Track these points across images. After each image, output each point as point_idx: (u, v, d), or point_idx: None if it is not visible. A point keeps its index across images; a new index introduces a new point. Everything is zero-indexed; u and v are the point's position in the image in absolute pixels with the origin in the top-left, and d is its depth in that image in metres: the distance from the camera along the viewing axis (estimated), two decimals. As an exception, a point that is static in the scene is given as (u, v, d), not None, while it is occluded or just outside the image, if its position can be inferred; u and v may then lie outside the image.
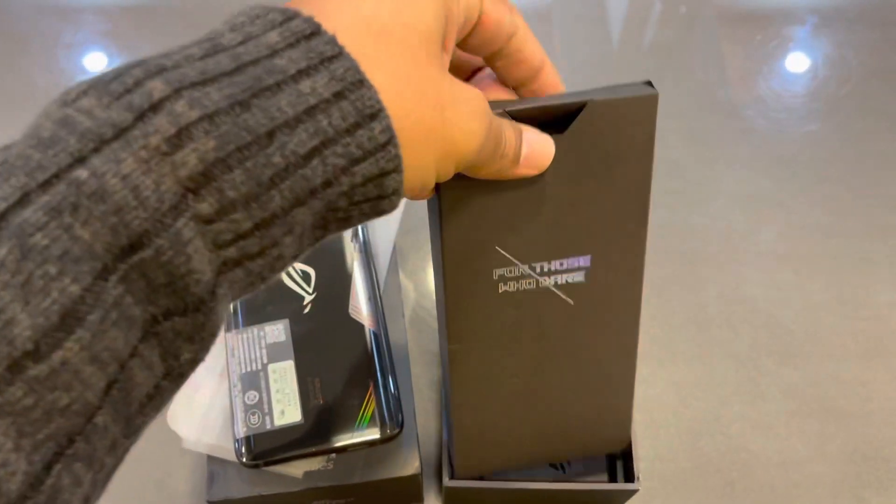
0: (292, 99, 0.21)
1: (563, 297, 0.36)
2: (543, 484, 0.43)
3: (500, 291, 0.35)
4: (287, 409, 0.43)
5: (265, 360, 0.47)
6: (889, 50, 0.72)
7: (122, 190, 0.19)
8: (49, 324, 0.18)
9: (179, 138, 0.19)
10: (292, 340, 0.48)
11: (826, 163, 0.65)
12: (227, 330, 0.48)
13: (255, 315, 0.49)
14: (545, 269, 0.35)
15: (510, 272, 0.35)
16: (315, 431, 0.41)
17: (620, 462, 0.46)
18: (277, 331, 0.48)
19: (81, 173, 0.18)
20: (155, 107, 0.20)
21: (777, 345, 0.53)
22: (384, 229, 0.55)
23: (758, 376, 0.53)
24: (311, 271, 0.51)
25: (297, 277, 0.50)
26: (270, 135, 0.21)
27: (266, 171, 0.21)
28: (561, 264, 0.35)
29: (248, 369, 0.47)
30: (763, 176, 0.64)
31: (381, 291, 0.50)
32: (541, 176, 0.32)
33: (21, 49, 0.71)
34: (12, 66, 0.70)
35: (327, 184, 0.22)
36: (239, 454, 0.41)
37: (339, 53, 0.22)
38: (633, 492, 0.43)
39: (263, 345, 0.47)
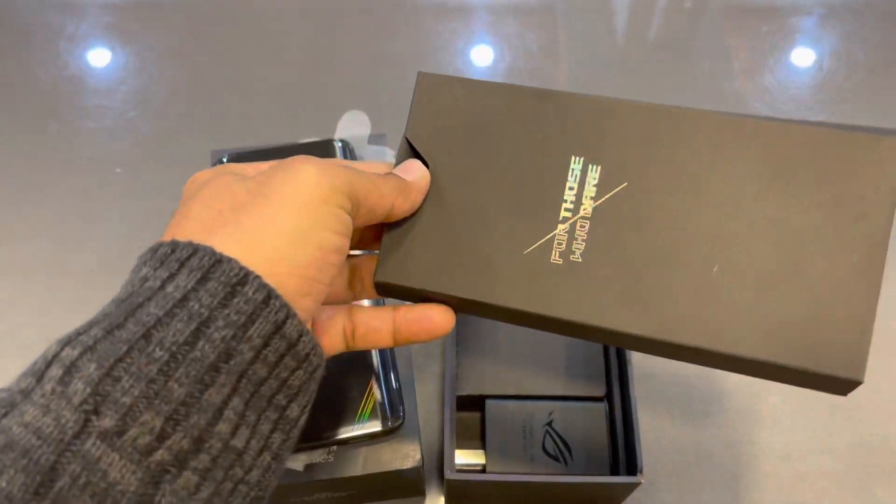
0: (160, 302, 0.23)
1: (614, 192, 0.32)
2: (545, 477, 0.43)
3: (581, 260, 0.31)
4: (287, 401, 0.43)
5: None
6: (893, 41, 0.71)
7: (26, 435, 0.21)
8: None
9: (69, 375, 0.22)
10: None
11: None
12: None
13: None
14: (571, 207, 0.32)
15: (558, 243, 0.31)
16: (316, 424, 0.40)
17: (623, 454, 0.45)
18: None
19: None
20: (49, 363, 0.22)
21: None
22: (386, 221, 0.55)
23: (763, 369, 0.53)
24: (313, 263, 0.50)
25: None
26: (146, 336, 0.23)
27: (152, 368, 0.22)
28: (571, 191, 0.32)
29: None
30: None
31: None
32: None
33: (24, 42, 0.71)
34: (15, 58, 0.70)
35: (227, 356, 0.23)
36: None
37: (194, 251, 0.24)
38: (636, 485, 0.42)
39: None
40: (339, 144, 0.55)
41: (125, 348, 0.22)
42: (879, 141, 0.30)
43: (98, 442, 0.21)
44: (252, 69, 0.69)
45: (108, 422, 0.21)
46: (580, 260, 0.31)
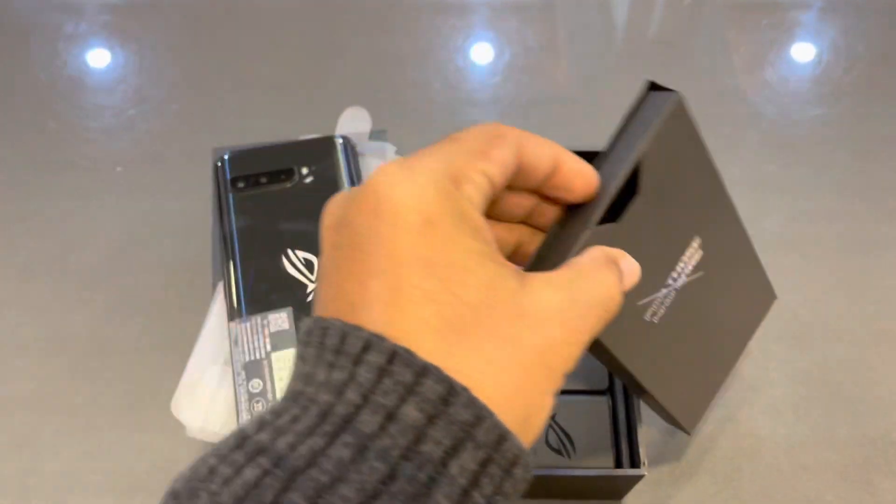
0: (446, 490, 0.21)
1: (696, 277, 0.38)
2: (548, 470, 0.43)
3: (656, 322, 0.36)
4: (291, 397, 0.43)
5: (269, 349, 0.47)
6: (892, 35, 0.71)
7: None
8: None
9: None
10: (296, 329, 0.48)
11: (832, 147, 0.64)
12: (231, 319, 0.48)
13: (259, 304, 0.48)
14: (675, 277, 0.37)
15: (655, 304, 0.36)
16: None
17: (626, 447, 0.45)
18: (281, 319, 0.48)
19: None
20: None
21: (784, 330, 0.53)
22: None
23: (765, 361, 0.53)
24: (314, 259, 0.50)
25: (300, 265, 0.50)
26: None
27: None
28: (683, 262, 0.37)
29: (252, 358, 0.47)
30: (769, 161, 0.63)
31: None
32: (631, 222, 0.32)
33: (23, 41, 0.71)
34: (14, 58, 0.70)
35: None
36: (243, 442, 0.41)
37: (479, 414, 0.21)
38: (639, 477, 0.42)
39: (267, 333, 0.47)
40: (340, 141, 0.55)
41: None
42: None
43: None
44: (252, 66, 0.69)
45: None
46: (657, 322, 0.36)
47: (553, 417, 0.47)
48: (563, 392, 0.48)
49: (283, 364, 0.46)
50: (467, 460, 0.21)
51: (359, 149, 0.57)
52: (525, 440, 0.23)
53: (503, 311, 0.23)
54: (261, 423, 0.22)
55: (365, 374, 0.21)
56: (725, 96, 0.67)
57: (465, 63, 0.70)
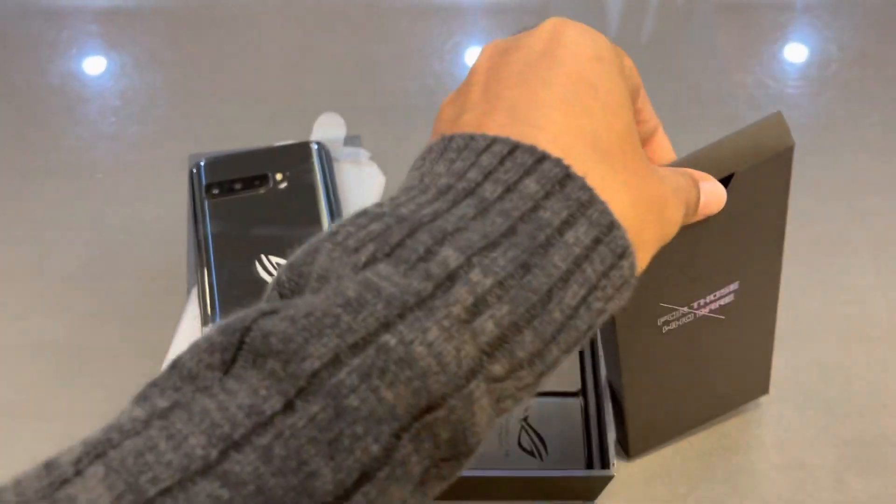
0: (562, 253, 0.22)
1: (716, 316, 0.40)
2: (521, 472, 0.43)
3: (664, 332, 0.39)
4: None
5: (241, 354, 0.47)
6: (870, 35, 0.72)
7: (427, 357, 0.20)
8: (349, 481, 0.19)
9: (477, 306, 0.21)
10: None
11: (807, 149, 0.64)
12: (204, 324, 0.48)
13: (232, 309, 0.49)
14: (701, 304, 0.39)
15: (673, 315, 0.38)
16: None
17: (597, 448, 0.46)
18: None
19: (389, 339, 0.20)
20: (452, 276, 0.21)
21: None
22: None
23: (739, 362, 0.53)
24: (288, 264, 0.51)
25: (274, 271, 0.50)
26: (549, 292, 0.22)
27: (549, 328, 0.22)
28: (714, 295, 0.39)
29: (224, 362, 0.47)
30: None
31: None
32: (693, 227, 0.33)
33: (3, 49, 0.71)
34: (-5, 67, 0.70)
35: (589, 328, 0.23)
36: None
37: (591, 197, 0.23)
38: (610, 478, 0.43)
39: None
40: (315, 147, 0.56)
41: (534, 299, 0.22)
42: None
43: (482, 384, 0.21)
44: (229, 73, 0.70)
45: (497, 369, 0.21)
46: (664, 332, 0.39)
47: (526, 419, 0.47)
48: (537, 394, 0.48)
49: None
50: (581, 233, 0.23)
51: (333, 154, 0.57)
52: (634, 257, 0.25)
53: (639, 153, 0.26)
54: (378, 204, 0.24)
55: (488, 159, 0.23)
56: (715, 99, 0.68)
57: (444, 68, 0.70)
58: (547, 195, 0.23)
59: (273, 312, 0.21)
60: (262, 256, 0.50)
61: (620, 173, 0.25)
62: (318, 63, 0.70)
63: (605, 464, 0.44)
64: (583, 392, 0.48)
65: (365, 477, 0.19)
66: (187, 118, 0.67)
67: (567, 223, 0.23)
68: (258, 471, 0.18)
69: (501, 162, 0.23)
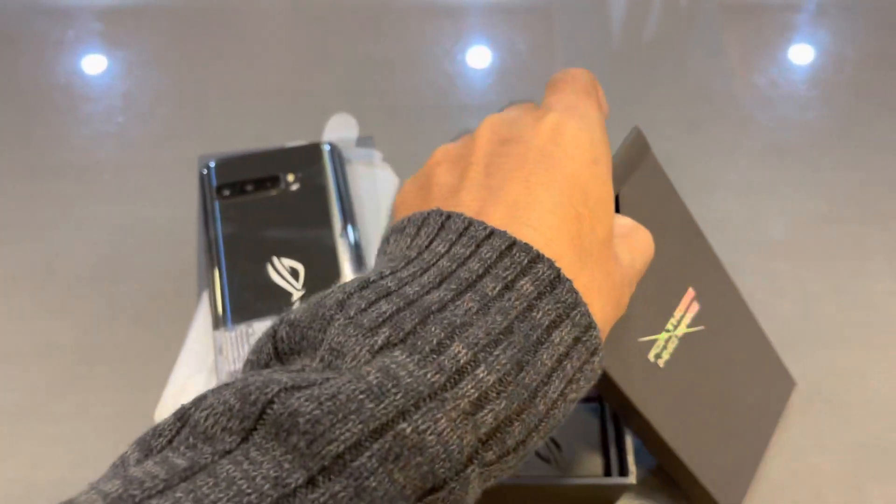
0: (550, 352, 0.25)
1: (697, 329, 0.41)
2: (536, 479, 0.42)
3: (661, 367, 0.39)
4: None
5: (254, 358, 0.46)
6: (886, 36, 0.71)
7: (436, 445, 0.22)
8: None
9: (480, 401, 0.23)
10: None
11: (823, 151, 0.64)
12: (216, 327, 0.48)
13: (244, 312, 0.48)
14: (675, 323, 0.40)
15: (657, 346, 0.39)
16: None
17: (616, 455, 0.45)
18: (265, 328, 0.47)
19: (406, 428, 0.22)
20: (461, 370, 0.23)
21: (773, 335, 0.52)
22: (374, 224, 0.55)
23: (755, 367, 0.52)
24: (300, 267, 0.50)
25: (286, 274, 0.50)
26: (537, 389, 0.24)
27: (534, 420, 0.25)
28: (681, 309, 0.40)
29: (237, 367, 0.46)
30: (760, 165, 0.63)
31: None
32: None
33: (9, 48, 0.71)
34: (0, 65, 0.70)
35: (563, 416, 0.26)
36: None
37: (575, 301, 0.26)
38: (629, 486, 0.42)
39: (251, 342, 0.47)
40: (327, 148, 0.55)
41: (525, 396, 0.24)
42: None
43: (477, 469, 0.23)
44: (239, 73, 0.69)
45: (490, 456, 0.24)
46: (662, 367, 0.39)
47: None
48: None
49: (269, 373, 0.46)
50: (565, 333, 0.25)
51: (345, 155, 0.57)
52: None
53: (612, 254, 0.29)
54: (380, 273, 0.26)
55: (488, 252, 0.26)
56: (718, 99, 0.67)
57: (455, 68, 0.69)
58: (539, 296, 0.25)
59: (294, 388, 0.22)
60: (274, 259, 0.50)
61: (596, 278, 0.27)
62: (328, 63, 0.69)
63: (623, 471, 0.43)
64: (600, 398, 0.47)
65: None
66: (195, 118, 0.66)
67: (555, 324, 0.25)
68: None
69: (500, 257, 0.26)
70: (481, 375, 0.23)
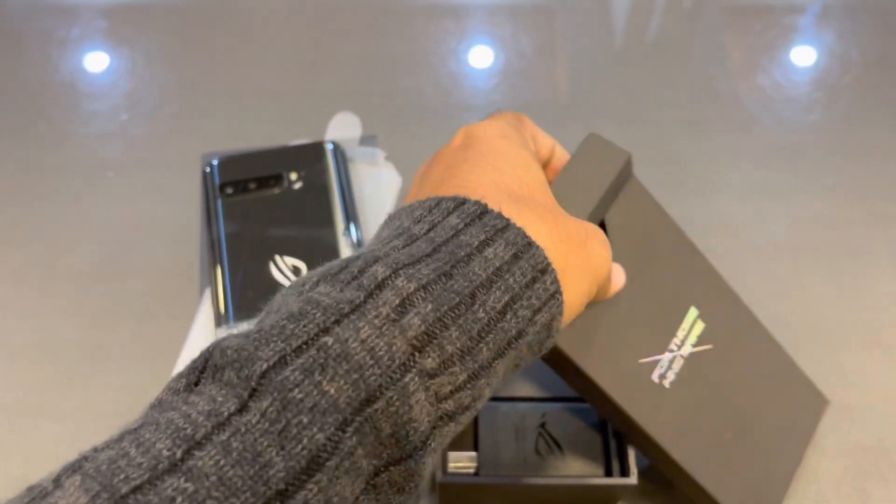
0: (482, 264, 0.26)
1: (704, 348, 0.41)
2: (538, 479, 0.42)
3: (667, 387, 0.39)
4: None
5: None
6: (890, 38, 0.71)
7: (362, 352, 0.22)
8: (299, 467, 0.21)
9: (403, 306, 0.24)
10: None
11: (827, 153, 0.64)
12: (218, 325, 0.48)
13: (246, 310, 0.48)
14: (678, 343, 0.40)
15: (661, 367, 0.39)
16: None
17: (616, 455, 0.45)
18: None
19: (328, 340, 0.22)
20: (380, 285, 0.24)
21: (776, 336, 0.52)
22: (376, 223, 0.55)
23: (757, 369, 0.52)
24: (303, 266, 0.50)
25: (288, 273, 0.50)
26: (472, 295, 0.25)
27: (474, 326, 0.25)
28: (683, 329, 0.40)
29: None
30: (764, 167, 0.63)
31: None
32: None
33: (14, 46, 0.71)
34: (6, 62, 0.70)
35: (519, 335, 0.26)
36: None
37: (507, 224, 0.27)
38: (630, 486, 0.42)
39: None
40: (330, 147, 0.55)
41: (457, 300, 0.24)
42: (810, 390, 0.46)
43: (416, 378, 0.23)
44: (242, 71, 0.69)
45: (429, 363, 0.24)
46: (668, 388, 0.39)
47: (543, 426, 0.46)
48: (553, 399, 0.47)
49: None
50: (500, 249, 0.26)
51: (348, 154, 0.57)
52: None
53: (551, 199, 0.31)
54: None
55: (419, 211, 0.28)
56: (721, 101, 0.67)
57: (459, 67, 0.69)
58: (467, 226, 0.27)
59: (230, 336, 0.24)
60: (277, 257, 0.50)
61: (535, 210, 0.29)
62: (332, 62, 0.69)
63: (625, 471, 0.43)
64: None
65: (314, 465, 0.21)
66: (199, 116, 0.66)
67: (485, 243, 0.26)
68: (219, 464, 0.20)
69: (430, 211, 0.28)
70: (401, 284, 0.24)
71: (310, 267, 0.50)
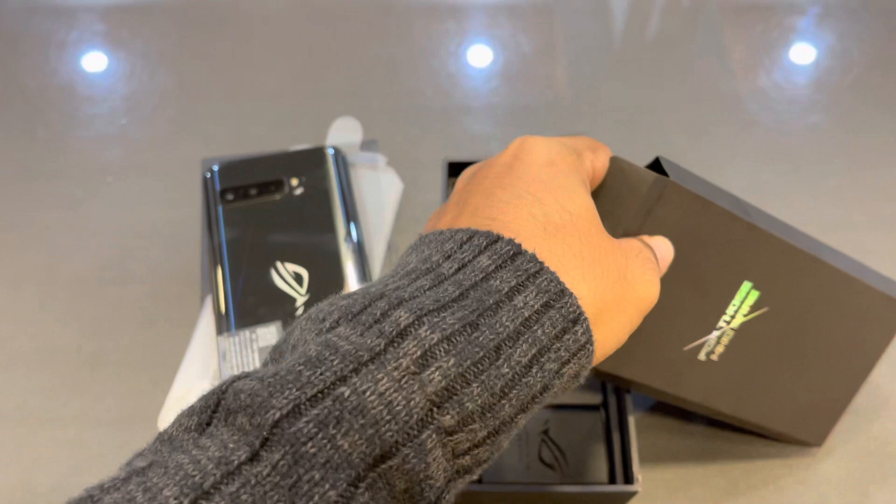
0: (510, 314, 0.24)
1: (757, 313, 0.40)
2: (541, 486, 0.42)
3: (716, 360, 0.40)
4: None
5: (257, 364, 0.46)
6: (892, 39, 0.71)
7: (379, 406, 0.22)
8: None
9: (425, 358, 0.23)
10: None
11: (829, 155, 0.64)
12: (219, 333, 0.48)
13: (247, 318, 0.48)
14: (728, 319, 0.39)
15: (708, 345, 0.39)
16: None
17: (620, 462, 0.45)
18: (270, 333, 0.47)
19: (345, 391, 0.21)
20: (402, 332, 0.23)
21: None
22: (378, 228, 0.54)
23: (760, 373, 0.52)
24: (304, 272, 0.50)
25: (290, 279, 0.49)
26: (498, 349, 0.24)
27: (498, 382, 0.24)
28: (734, 305, 0.39)
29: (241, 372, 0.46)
30: (765, 169, 0.63)
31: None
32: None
33: (12, 49, 0.70)
34: (3, 66, 0.69)
35: (544, 389, 0.25)
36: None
37: (540, 268, 0.26)
38: (633, 493, 0.42)
39: (255, 348, 0.47)
40: (331, 152, 0.55)
41: (481, 354, 0.23)
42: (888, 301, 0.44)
43: (434, 435, 0.22)
44: (242, 75, 0.69)
45: (448, 420, 0.23)
46: (717, 360, 0.39)
47: (546, 432, 0.46)
48: (557, 407, 0.47)
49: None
50: (531, 298, 0.25)
51: (349, 159, 0.57)
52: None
53: (596, 226, 0.29)
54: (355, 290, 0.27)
55: (450, 245, 0.27)
56: (722, 102, 0.67)
57: (459, 69, 0.69)
58: (498, 268, 0.25)
59: (244, 376, 0.23)
60: (278, 263, 0.50)
61: (571, 246, 0.27)
62: (333, 66, 0.69)
63: (628, 478, 0.43)
64: (604, 405, 0.47)
65: None
66: (199, 120, 0.66)
67: (516, 289, 0.25)
68: None
69: (460, 246, 0.26)
70: (424, 334, 0.23)
71: (311, 273, 0.49)
